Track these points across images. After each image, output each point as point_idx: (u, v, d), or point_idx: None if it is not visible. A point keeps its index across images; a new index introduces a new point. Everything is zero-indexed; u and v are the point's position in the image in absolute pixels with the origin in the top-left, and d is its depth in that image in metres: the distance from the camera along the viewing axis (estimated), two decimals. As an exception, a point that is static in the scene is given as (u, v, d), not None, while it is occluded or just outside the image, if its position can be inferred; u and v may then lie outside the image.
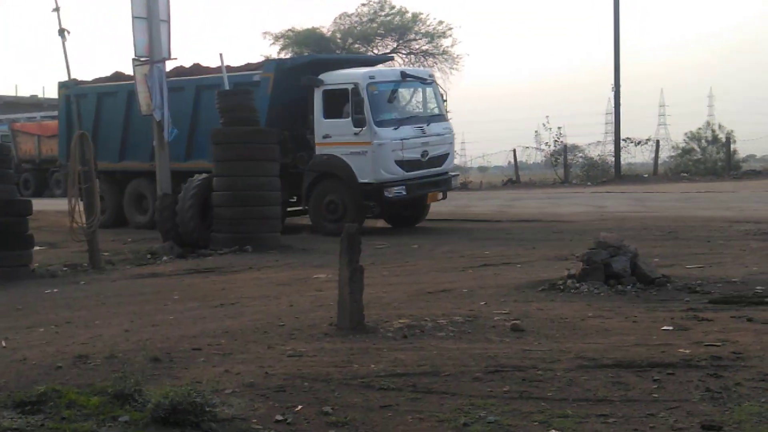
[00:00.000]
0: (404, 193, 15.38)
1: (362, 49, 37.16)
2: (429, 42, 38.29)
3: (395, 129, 15.47)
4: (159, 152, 15.47)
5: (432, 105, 16.50)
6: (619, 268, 7.94)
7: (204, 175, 14.44)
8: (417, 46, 38.35)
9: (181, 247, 13.60)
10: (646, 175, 30.51)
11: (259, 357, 5.70)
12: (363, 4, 38.94)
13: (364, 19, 38.95)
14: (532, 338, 6.03)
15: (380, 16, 38.85)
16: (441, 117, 16.45)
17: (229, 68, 16.52)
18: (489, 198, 24.04)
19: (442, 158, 16.18)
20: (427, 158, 15.72)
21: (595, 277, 7.92)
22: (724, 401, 4.41)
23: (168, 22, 15.32)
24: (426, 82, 16.48)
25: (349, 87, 15.47)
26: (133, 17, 14.85)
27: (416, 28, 38.83)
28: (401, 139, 15.43)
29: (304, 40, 37.56)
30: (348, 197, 15.46)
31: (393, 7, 38.91)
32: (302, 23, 44.10)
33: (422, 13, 39.09)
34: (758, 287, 7.72)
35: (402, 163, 15.35)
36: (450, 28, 38.52)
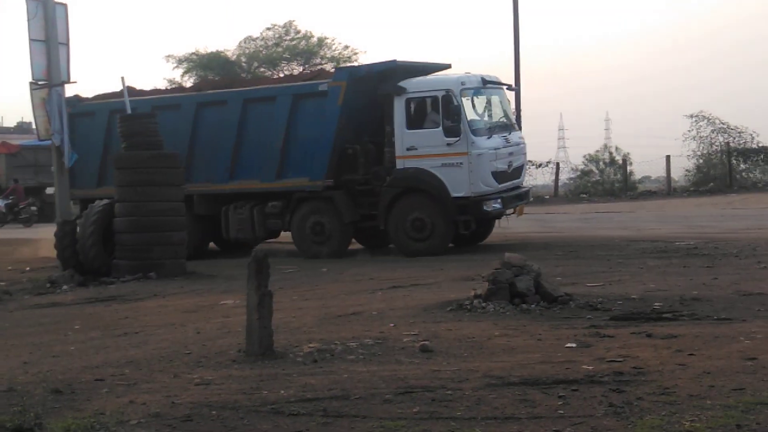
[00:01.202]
0: (500, 206, 14.52)
1: (268, 73, 37.04)
2: (335, 66, 38.56)
3: (488, 138, 14.58)
4: (58, 178, 15.00)
5: (508, 113, 15.73)
6: (524, 287, 8.10)
7: (105, 201, 14.02)
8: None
9: (82, 276, 13.20)
10: (547, 197, 31.26)
11: (165, 386, 5.57)
12: (268, 28, 38.89)
13: (270, 43, 38.87)
14: (441, 358, 6.08)
15: (285, 40, 38.85)
16: (515, 126, 15.79)
17: (284, 79, 16.16)
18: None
19: (520, 169, 15.50)
20: (511, 169, 14.98)
21: (501, 297, 8.06)
22: (627, 416, 4.53)
23: (67, 45, 14.99)
24: (510, 88, 15.84)
25: (439, 94, 14.44)
26: (30, 40, 14.46)
27: (322, 53, 38.96)
28: (494, 149, 14.55)
29: (209, 64, 37.19)
30: (437, 213, 14.38)
31: (298, 32, 38.98)
32: (206, 47, 43.58)
33: (328, 38, 39.27)
34: (656, 303, 8.00)
35: (496, 175, 14.49)
36: (356, 53, 38.80)
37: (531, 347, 6.33)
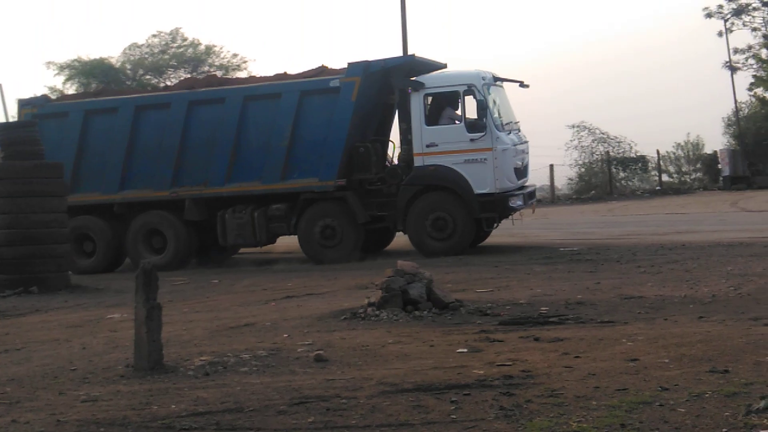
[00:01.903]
0: (522, 203, 14.33)
1: (154, 81, 36.24)
2: (224, 75, 38.07)
3: (508, 134, 14.42)
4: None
5: (512, 110, 15.37)
6: (416, 294, 8.20)
7: None
8: (211, 79, 37.95)
9: (-42, 291, 12.54)
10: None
11: (49, 404, 5.36)
12: (154, 35, 38.06)
13: (156, 50, 38.05)
14: (335, 367, 6.08)
15: (172, 47, 38.11)
16: (518, 123, 15.50)
17: (287, 76, 15.23)
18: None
19: (527, 167, 15.42)
20: (523, 166, 14.94)
21: (394, 304, 8.12)
22: (517, 418, 4.64)
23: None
24: (522, 85, 15.29)
25: (461, 89, 14.22)
26: None
27: (210, 61, 38.40)
28: (514, 145, 14.42)
29: (92, 71, 36.06)
30: (459, 211, 14.07)
31: (185, 39, 38.32)
32: (89, 53, 42.29)
33: (216, 46, 38.75)
34: (543, 308, 8.23)
35: (516, 171, 14.44)
36: (245, 61, 38.42)
37: (424, 353, 6.40)
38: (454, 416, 4.74)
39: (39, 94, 17.20)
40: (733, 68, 41.42)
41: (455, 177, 14.02)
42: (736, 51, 43.81)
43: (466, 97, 14.23)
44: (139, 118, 15.48)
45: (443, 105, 14.36)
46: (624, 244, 14.51)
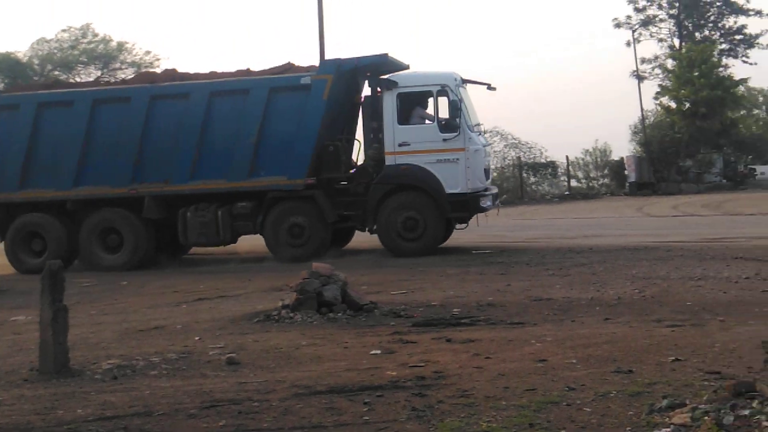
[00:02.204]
0: (491, 203, 14.39)
1: (63, 77, 35.22)
2: (136, 71, 37.39)
3: (479, 135, 14.55)
4: None
5: (476, 112, 15.18)
6: (331, 296, 8.19)
7: None
8: (123, 76, 37.20)
9: None
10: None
11: (-53, 411, 5.15)
12: (63, 30, 37.06)
13: (65, 45, 37.05)
14: (247, 370, 6.02)
15: (82, 43, 37.17)
16: (482, 126, 15.49)
17: (251, 72, 14.75)
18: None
19: (489, 169, 15.59)
20: (487, 168, 15.12)
21: (309, 306, 8.10)
22: (428, 419, 4.68)
23: None
24: (490, 87, 15.13)
25: (434, 89, 14.18)
26: None
27: (122, 57, 37.61)
28: (484, 146, 14.58)
29: (-3, 66, 34.88)
30: (430, 211, 14.04)
31: (96, 35, 37.41)
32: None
33: (128, 43, 37.96)
34: (455, 309, 8.34)
35: (485, 172, 14.68)
36: (158, 59, 37.76)
37: (338, 355, 6.40)
38: (366, 418, 4.75)
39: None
40: (640, 77, 42.80)
41: (427, 176, 14.03)
42: (643, 61, 45.37)
43: (439, 98, 14.23)
44: (96, 112, 14.84)
45: (414, 104, 14.36)
46: (534, 247, 14.81)
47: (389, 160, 14.18)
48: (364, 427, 4.61)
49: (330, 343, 6.89)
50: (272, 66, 15.12)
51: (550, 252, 13.84)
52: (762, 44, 45.54)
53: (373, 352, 6.47)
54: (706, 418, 4.01)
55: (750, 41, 45.38)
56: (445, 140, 13.98)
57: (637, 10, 45.95)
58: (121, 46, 37.53)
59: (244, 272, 13.11)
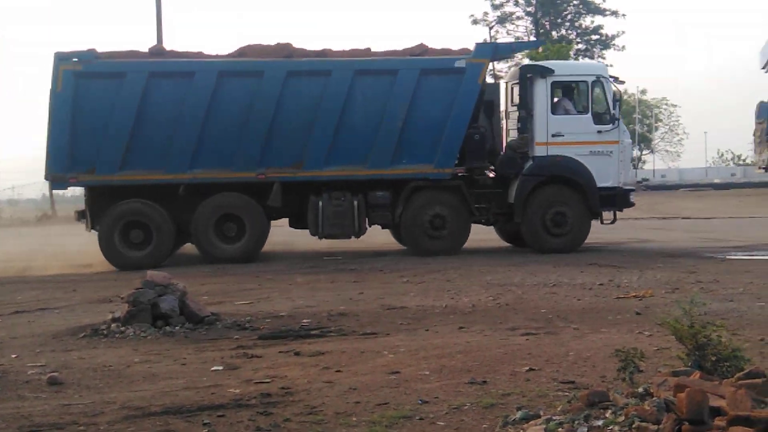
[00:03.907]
0: (633, 199, 14.80)
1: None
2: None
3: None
4: None
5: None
6: (167, 308, 8.00)
7: None
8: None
9: None
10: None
11: None
12: None
13: None
14: (72, 391, 5.79)
15: None
16: None
17: (404, 52, 14.47)
18: (22, 236, 22.62)
19: None
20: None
21: (142, 319, 7.88)
22: (274, 438, 4.66)
23: None
24: (618, 81, 15.13)
25: (589, 80, 14.49)
26: None
27: None
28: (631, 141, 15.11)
29: None
30: (579, 205, 14.35)
31: None
32: None
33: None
34: (305, 320, 8.34)
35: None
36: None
37: (175, 373, 6.26)
38: (206, 440, 4.68)
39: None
40: (496, 76, 44.19)
41: (581, 169, 14.34)
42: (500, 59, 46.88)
43: (594, 89, 14.62)
44: (221, 86, 14.07)
45: (562, 94, 14.65)
46: (388, 251, 15.01)
47: (540, 151, 14.46)
48: (204, 450, 4.53)
49: (166, 360, 6.73)
50: (404, 48, 14.96)
51: (404, 258, 14.08)
52: (618, 45, 48.13)
53: (214, 368, 6.37)
54: (560, 429, 4.17)
55: (606, 42, 47.84)
56: (599, 132, 14.40)
57: (495, 6, 47.60)
58: None
59: (68, 282, 12.60)
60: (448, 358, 6.42)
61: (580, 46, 47.24)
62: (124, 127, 13.96)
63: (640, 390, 4.50)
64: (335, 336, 7.60)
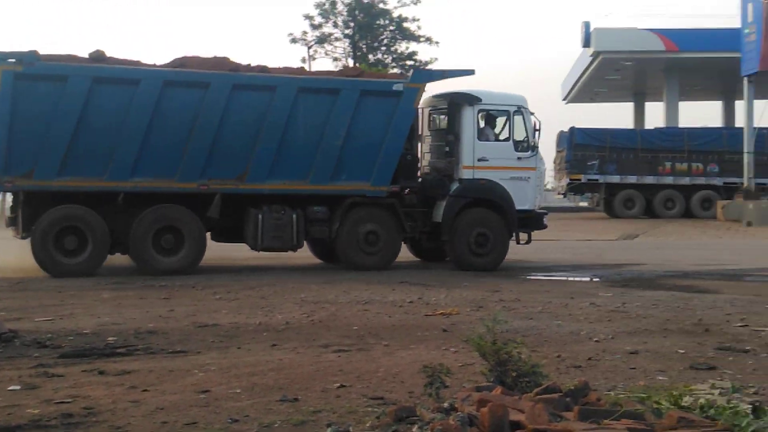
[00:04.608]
0: (546, 221, 16.10)
1: None
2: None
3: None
4: None
5: None
6: (-39, 324, 7.51)
7: None
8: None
9: None
10: None
11: None
12: None
13: None
14: None
15: None
16: None
17: (320, 73, 15.51)
18: None
19: None
20: None
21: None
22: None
23: None
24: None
25: (511, 109, 15.61)
26: None
27: None
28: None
29: None
30: (501, 227, 15.38)
31: None
32: None
33: None
34: (110, 338, 8.05)
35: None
36: None
37: (-34, 394, 5.88)
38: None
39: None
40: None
41: (504, 192, 15.38)
42: (317, 79, 47.26)
43: (515, 117, 15.67)
44: (166, 95, 13.91)
45: (485, 122, 15.66)
46: (200, 268, 14.77)
47: (467, 174, 15.36)
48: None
49: (-43, 379, 6.31)
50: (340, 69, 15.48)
51: (217, 274, 13.90)
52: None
53: (11, 387, 6.03)
54: (368, 444, 4.25)
55: (420, 68, 49.25)
56: (519, 158, 15.49)
57: (314, 26, 47.95)
58: None
59: None
60: (260, 376, 6.39)
61: (395, 70, 48.37)
62: (64, 132, 13.60)
63: (446, 405, 4.65)
64: (142, 354, 7.38)
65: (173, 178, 14.08)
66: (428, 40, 48.74)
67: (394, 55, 49.32)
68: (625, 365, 6.95)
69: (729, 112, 50.37)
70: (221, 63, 14.74)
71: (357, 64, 45.49)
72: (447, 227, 15.21)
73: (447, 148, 15.43)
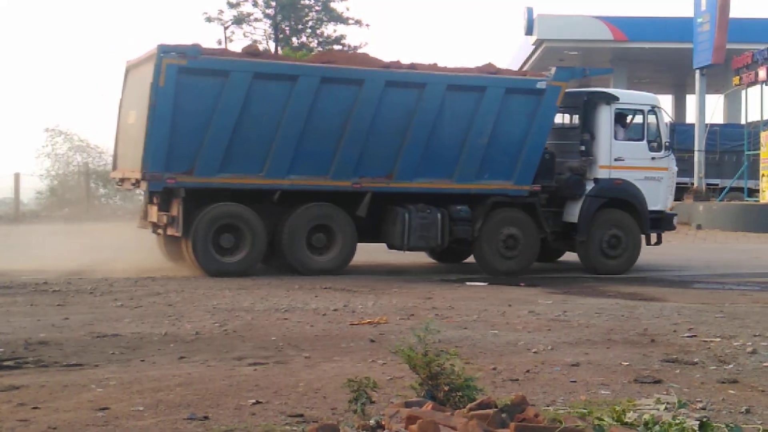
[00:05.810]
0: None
1: None
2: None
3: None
4: None
5: None
6: None
7: None
8: None
9: None
10: None
11: None
12: None
13: None
14: None
15: None
16: None
17: (458, 70, 15.80)
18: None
19: None
20: None
21: None
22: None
23: None
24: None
25: (646, 108, 16.69)
26: None
27: None
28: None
29: None
30: (634, 228, 16.46)
31: None
32: None
33: None
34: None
35: None
36: None
37: None
38: None
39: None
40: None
41: (637, 193, 16.43)
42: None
43: (649, 116, 16.75)
44: (322, 92, 14.74)
45: (629, 121, 16.80)
46: (100, 271, 14.54)
47: (602, 173, 16.35)
48: None
49: None
50: (473, 66, 16.35)
51: (118, 279, 13.71)
52: (361, 57, 49.60)
53: None
54: (285, 466, 4.24)
55: (348, 52, 49.26)
56: (653, 159, 16.60)
57: (231, 5, 47.52)
58: None
59: None
60: (166, 392, 6.33)
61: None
62: (225, 128, 14.35)
63: (372, 422, 4.67)
64: (33, 368, 7.26)
65: (327, 176, 14.96)
66: (357, 22, 48.71)
67: (321, 39, 49.19)
68: (565, 378, 7.07)
69: (680, 107, 51.48)
70: (371, 60, 15.99)
71: (279, 48, 45.35)
72: (583, 228, 16.22)
73: (582, 147, 16.41)
